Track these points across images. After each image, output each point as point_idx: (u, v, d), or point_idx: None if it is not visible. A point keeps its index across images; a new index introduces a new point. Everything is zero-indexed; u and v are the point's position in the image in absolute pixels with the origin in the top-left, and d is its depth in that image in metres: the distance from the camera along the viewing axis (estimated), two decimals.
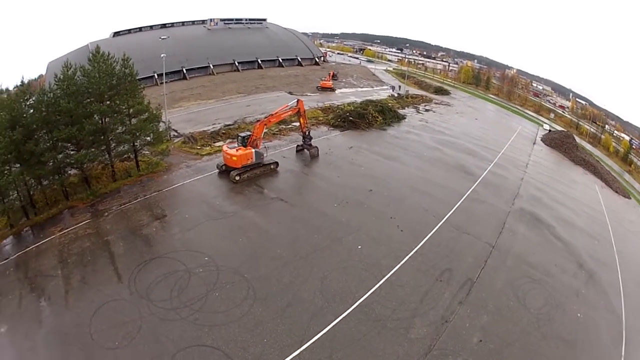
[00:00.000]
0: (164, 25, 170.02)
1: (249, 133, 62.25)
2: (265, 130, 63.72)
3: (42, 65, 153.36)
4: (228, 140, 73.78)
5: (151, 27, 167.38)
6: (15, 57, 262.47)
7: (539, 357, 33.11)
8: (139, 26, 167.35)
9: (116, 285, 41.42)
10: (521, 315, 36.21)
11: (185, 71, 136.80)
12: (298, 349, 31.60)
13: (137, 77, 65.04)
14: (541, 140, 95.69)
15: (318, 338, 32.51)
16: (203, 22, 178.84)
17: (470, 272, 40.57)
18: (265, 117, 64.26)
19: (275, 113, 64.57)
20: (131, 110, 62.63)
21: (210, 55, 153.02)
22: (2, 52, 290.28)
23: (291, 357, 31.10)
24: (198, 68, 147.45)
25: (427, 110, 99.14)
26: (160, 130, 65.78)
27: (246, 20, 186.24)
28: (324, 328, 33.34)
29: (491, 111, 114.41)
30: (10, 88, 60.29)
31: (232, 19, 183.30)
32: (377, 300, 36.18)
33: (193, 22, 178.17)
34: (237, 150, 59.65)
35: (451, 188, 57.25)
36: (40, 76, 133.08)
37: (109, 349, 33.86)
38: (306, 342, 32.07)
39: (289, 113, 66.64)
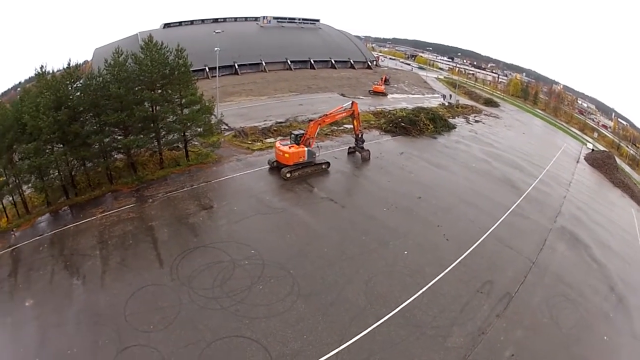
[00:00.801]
0: (215, 20, 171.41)
1: (302, 131, 62.85)
2: (318, 130, 64.28)
3: (89, 51, 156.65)
4: (279, 138, 74.07)
5: (202, 20, 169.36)
6: (62, 42, 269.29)
7: None
8: (191, 19, 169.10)
9: (157, 271, 42.40)
10: (553, 334, 36.21)
11: (237, 66, 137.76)
12: (337, 348, 31.86)
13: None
14: (584, 159, 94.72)
15: (358, 339, 32.70)
16: (255, 19, 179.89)
17: (509, 286, 40.56)
18: (320, 117, 64.84)
19: (330, 114, 65.18)
20: (183, 101, 63.67)
21: (263, 52, 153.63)
22: (50, 37, 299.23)
23: (329, 355, 31.41)
24: (250, 64, 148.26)
25: (476, 121, 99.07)
26: (212, 122, 66.66)
27: (299, 19, 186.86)
28: (365, 330, 33.52)
29: (538, 126, 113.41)
30: (55, 70, 61.40)
31: (285, 18, 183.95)
32: (419, 306, 36.29)
33: (245, 19, 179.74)
34: (289, 148, 60.05)
35: (497, 201, 57.21)
36: (86, 61, 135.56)
37: (143, 331, 34.63)
38: (345, 342, 32.27)
39: (344, 115, 66.95)
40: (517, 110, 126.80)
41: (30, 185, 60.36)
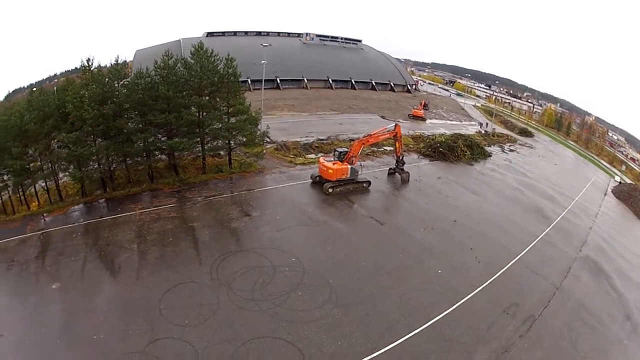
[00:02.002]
0: (259, 33, 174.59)
1: (346, 149, 64.29)
2: (361, 149, 65.68)
3: (130, 51, 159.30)
4: (320, 154, 75.87)
5: (246, 32, 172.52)
6: (106, 41, 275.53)
7: None
8: (234, 30, 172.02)
9: (196, 269, 44.04)
10: (570, 357, 37.16)
11: (279, 81, 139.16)
12: (369, 355, 32.96)
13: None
14: (612, 191, 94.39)
15: (389, 349, 33.79)
16: (298, 35, 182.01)
17: (534, 309, 41.33)
18: (364, 137, 66.28)
19: (374, 134, 66.68)
20: (231, 109, 65.17)
21: (304, 69, 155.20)
22: (95, 35, 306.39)
23: None
24: (291, 80, 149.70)
25: (511, 151, 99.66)
26: (258, 133, 67.93)
27: (342, 39, 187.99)
28: (397, 340, 34.61)
29: (569, 158, 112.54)
30: (102, 66, 63.71)
31: (327, 36, 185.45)
32: (449, 322, 37.46)
33: (288, 34, 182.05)
34: (333, 164, 61.61)
35: (527, 228, 57.97)
36: (125, 61, 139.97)
37: (177, 325, 35.94)
38: (378, 351, 33.36)
39: (387, 136, 68.54)
40: (551, 141, 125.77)
41: (67, 173, 62.03)
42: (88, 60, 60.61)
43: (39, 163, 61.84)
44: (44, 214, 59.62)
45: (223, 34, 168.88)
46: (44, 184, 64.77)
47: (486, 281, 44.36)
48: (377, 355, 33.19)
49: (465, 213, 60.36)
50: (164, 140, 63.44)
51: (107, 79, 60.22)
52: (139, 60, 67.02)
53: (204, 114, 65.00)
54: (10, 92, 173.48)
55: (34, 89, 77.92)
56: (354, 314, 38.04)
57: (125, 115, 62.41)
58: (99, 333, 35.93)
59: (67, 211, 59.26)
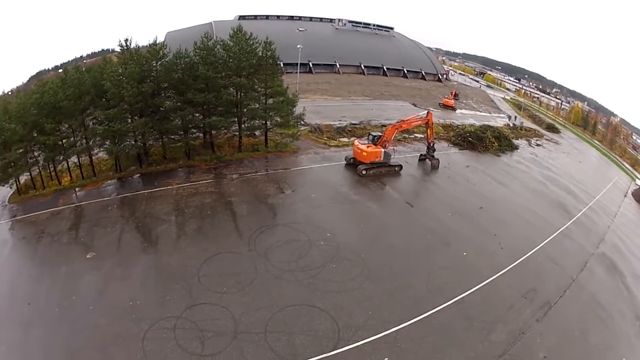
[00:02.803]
0: (291, 17, 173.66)
1: (380, 134, 66.09)
2: (394, 134, 67.66)
3: (161, 33, 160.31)
4: (353, 138, 77.59)
5: (278, 16, 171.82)
6: (137, 23, 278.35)
7: None
8: (266, 14, 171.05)
9: (235, 241, 46.31)
10: (581, 346, 38.35)
11: (311, 65, 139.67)
12: (397, 326, 35.27)
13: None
14: (632, 194, 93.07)
15: (415, 321, 36.15)
16: (331, 20, 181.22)
17: (551, 296, 42.77)
18: (397, 122, 67.87)
19: (407, 120, 68.60)
20: (268, 91, 66.72)
21: (337, 54, 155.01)
22: (126, 17, 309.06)
23: (390, 331, 34.82)
24: (324, 64, 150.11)
25: (537, 145, 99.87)
26: (295, 114, 69.79)
27: (374, 25, 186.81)
28: (423, 314, 36.97)
29: (594, 157, 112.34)
30: (140, 46, 65.14)
31: (359, 23, 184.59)
32: (471, 301, 39.53)
33: (320, 19, 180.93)
34: (367, 147, 63.49)
35: (549, 221, 59.10)
36: (160, 43, 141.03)
37: (215, 292, 38.52)
38: (405, 322, 35.73)
39: (419, 122, 70.10)
40: (576, 138, 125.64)
41: (104, 149, 64.16)
42: (126, 40, 62.53)
43: (72, 139, 63.51)
44: (76, 189, 61.96)
45: (255, 17, 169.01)
46: (75, 160, 66.52)
47: (508, 266, 45.85)
48: (404, 327, 35.47)
49: (491, 201, 61.92)
50: (202, 119, 65.56)
51: (144, 59, 62.08)
52: (170, 41, 68.93)
53: (242, 94, 66.82)
54: (34, 74, 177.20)
55: (69, 67, 79.45)
56: (383, 287, 40.34)
57: (162, 94, 64.44)
58: (135, 300, 38.26)
59: (101, 186, 61.81)
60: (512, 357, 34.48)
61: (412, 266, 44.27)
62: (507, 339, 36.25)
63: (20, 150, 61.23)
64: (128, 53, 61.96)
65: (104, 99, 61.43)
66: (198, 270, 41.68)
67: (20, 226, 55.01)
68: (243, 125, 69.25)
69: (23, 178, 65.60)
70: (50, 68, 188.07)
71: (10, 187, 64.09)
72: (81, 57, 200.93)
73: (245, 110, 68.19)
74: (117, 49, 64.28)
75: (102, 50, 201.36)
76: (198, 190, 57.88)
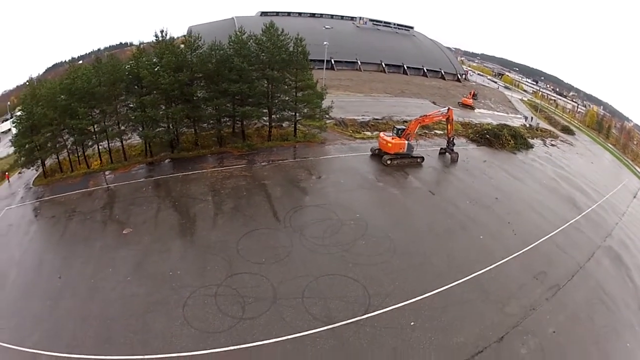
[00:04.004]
0: (312, 15, 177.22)
1: (404, 127, 69.76)
2: (417, 128, 71.35)
3: (183, 27, 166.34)
4: (375, 132, 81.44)
5: (300, 13, 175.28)
6: (158, 17, 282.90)
7: None
8: (287, 10, 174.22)
9: (271, 218, 50.00)
10: (587, 327, 40.53)
11: (333, 62, 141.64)
12: (420, 296, 38.61)
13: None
14: None
15: (437, 292, 39.54)
16: (352, 18, 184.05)
17: (559, 280, 45.33)
18: (420, 117, 71.41)
19: (429, 115, 72.36)
20: (299, 84, 70.26)
21: (358, 52, 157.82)
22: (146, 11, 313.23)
23: (414, 300, 38.21)
24: (345, 62, 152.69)
25: (552, 145, 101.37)
26: (323, 107, 73.17)
27: (394, 24, 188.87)
28: (444, 286, 40.40)
29: (606, 159, 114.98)
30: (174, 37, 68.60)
31: (380, 21, 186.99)
32: (487, 278, 42.79)
33: (342, 17, 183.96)
34: (392, 139, 67.18)
35: (560, 214, 61.52)
36: (178, 37, 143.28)
37: (254, 263, 42.02)
38: (427, 293, 39.07)
39: (440, 117, 73.98)
40: (590, 141, 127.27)
41: (137, 134, 67.79)
42: (162, 31, 66.38)
43: (103, 124, 66.45)
44: (107, 172, 64.99)
45: (277, 13, 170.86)
46: (104, 145, 69.50)
47: (520, 250, 48.78)
48: (427, 297, 39.01)
49: (506, 193, 64.79)
50: (235, 108, 69.07)
51: (180, 50, 65.87)
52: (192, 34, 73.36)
53: (273, 86, 70.64)
54: (50, 65, 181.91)
55: (100, 56, 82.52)
56: (409, 262, 44.00)
57: (195, 84, 68.15)
58: (174, 270, 41.62)
59: (132, 169, 65.29)
60: (524, 328, 37.24)
61: (434, 245, 47.84)
62: (520, 312, 39.11)
63: (48, 134, 64.10)
64: (164, 44, 65.48)
65: (137, 87, 65.40)
66: (237, 244, 45.05)
67: (49, 206, 58.16)
68: (273, 116, 73.10)
69: (48, 162, 68.43)
70: (67, 60, 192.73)
71: (36, 170, 67.07)
72: (99, 49, 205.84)
73: (276, 101, 72.00)
74: (135, 42, 67.72)
75: (120, 43, 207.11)
76: (232, 174, 61.29)
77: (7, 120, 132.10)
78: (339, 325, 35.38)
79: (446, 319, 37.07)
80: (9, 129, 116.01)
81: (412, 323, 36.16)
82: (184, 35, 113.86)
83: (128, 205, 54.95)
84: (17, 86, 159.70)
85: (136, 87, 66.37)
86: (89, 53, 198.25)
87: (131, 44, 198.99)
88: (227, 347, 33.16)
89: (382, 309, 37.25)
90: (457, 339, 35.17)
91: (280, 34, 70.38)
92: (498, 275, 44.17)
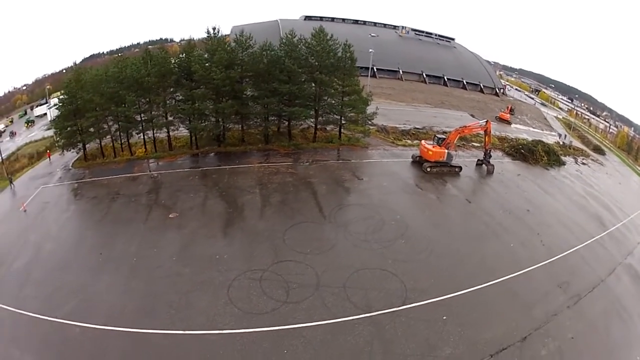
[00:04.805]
0: (356, 21, 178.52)
1: (444, 136, 71.76)
2: (457, 138, 73.43)
3: (227, 27, 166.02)
4: (416, 141, 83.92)
5: (343, 19, 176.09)
6: (199, 16, 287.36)
7: None
8: (331, 16, 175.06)
9: (316, 213, 52.98)
10: (603, 338, 41.40)
11: (375, 70, 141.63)
12: (453, 293, 41.06)
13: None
14: None
15: (468, 291, 41.84)
16: (394, 27, 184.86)
17: (581, 290, 46.37)
18: (460, 127, 73.60)
19: (468, 126, 74.76)
20: (345, 89, 72.61)
21: (400, 61, 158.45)
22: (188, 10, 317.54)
23: (447, 297, 40.52)
24: (387, 70, 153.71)
25: (583, 164, 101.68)
26: (368, 112, 76.02)
27: (436, 35, 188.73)
28: (475, 287, 42.60)
29: (634, 181, 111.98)
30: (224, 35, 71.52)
31: (422, 31, 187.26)
32: (514, 283, 44.67)
33: (384, 25, 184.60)
34: (433, 147, 69.30)
35: (586, 230, 62.33)
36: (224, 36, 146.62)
37: (299, 252, 44.84)
38: (459, 292, 41.49)
39: (479, 129, 75.60)
40: (620, 162, 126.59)
41: (184, 126, 70.94)
42: (214, 29, 69.51)
43: (150, 113, 69.88)
44: (151, 160, 68.10)
45: (321, 18, 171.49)
46: (150, 134, 73.01)
47: (547, 260, 50.53)
48: (459, 295, 41.32)
49: (537, 206, 65.80)
50: (283, 108, 71.92)
51: (229, 48, 68.77)
52: (235, 34, 75.32)
53: (321, 89, 73.26)
54: (87, 56, 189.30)
55: (151, 48, 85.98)
56: (444, 262, 46.48)
57: (244, 82, 71.24)
58: (221, 254, 44.51)
59: (178, 159, 68.49)
60: (545, 332, 38.81)
61: (468, 249, 49.92)
62: (542, 317, 40.62)
63: (92, 119, 67.31)
64: (215, 40, 68.79)
65: (187, 80, 68.40)
66: (283, 234, 48.17)
67: (89, 187, 61.46)
68: (320, 118, 76.11)
69: (89, 146, 72.16)
70: (105, 52, 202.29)
71: (77, 152, 70.81)
72: (138, 43, 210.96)
73: (323, 104, 75.05)
74: (176, 38, 70.92)
75: (161, 39, 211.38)
76: (279, 170, 64.37)
77: (42, 105, 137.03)
78: (376, 314, 37.82)
79: (475, 317, 39.12)
80: (45, 114, 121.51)
81: (444, 317, 38.29)
82: (227, 35, 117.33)
83: (174, 191, 58.29)
84: (52, 73, 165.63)
85: (186, 80, 69.32)
86: (129, 46, 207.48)
87: (171, 40, 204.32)
88: (270, 327, 35.47)
89: (417, 302, 39.58)
90: (485, 335, 37.20)
91: (329, 39, 72.90)
92: (525, 281, 45.75)
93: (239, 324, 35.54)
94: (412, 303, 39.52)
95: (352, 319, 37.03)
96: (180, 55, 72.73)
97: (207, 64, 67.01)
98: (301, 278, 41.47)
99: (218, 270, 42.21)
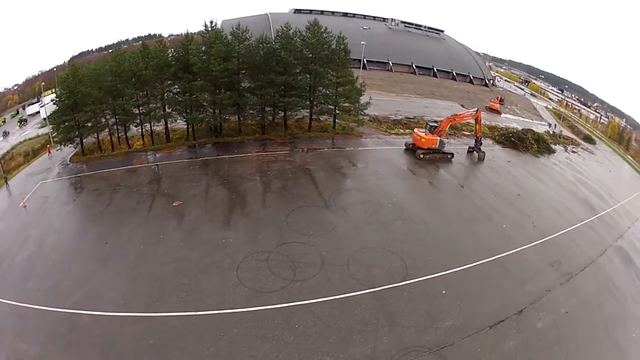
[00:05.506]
0: (345, 14, 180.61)
1: (436, 124, 74.82)
2: (448, 126, 76.01)
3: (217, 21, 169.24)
4: (408, 130, 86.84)
5: (332, 12, 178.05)
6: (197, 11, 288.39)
7: (596, 341, 40.37)
8: (321, 9, 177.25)
9: (316, 198, 55.29)
10: (596, 313, 43.48)
11: (365, 62, 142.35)
12: (450, 270, 43.49)
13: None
14: None
15: (465, 268, 44.29)
16: (384, 19, 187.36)
17: (573, 269, 48.48)
18: (451, 116, 76.32)
19: (459, 114, 77.83)
20: (339, 79, 74.94)
21: (390, 53, 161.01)
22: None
23: (445, 273, 42.97)
24: (377, 62, 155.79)
25: (573, 152, 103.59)
26: (362, 102, 78.24)
27: (425, 27, 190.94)
28: (470, 264, 45.00)
29: (624, 170, 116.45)
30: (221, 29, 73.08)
31: (412, 24, 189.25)
32: (507, 261, 47.03)
33: (374, 18, 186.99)
34: (426, 135, 72.04)
35: (575, 214, 64.81)
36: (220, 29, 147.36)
37: (303, 234, 47.02)
38: (456, 268, 43.97)
39: (469, 117, 78.76)
40: (610, 152, 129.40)
41: (182, 117, 72.76)
42: (211, 22, 71.54)
43: (148, 106, 71.52)
44: (149, 152, 69.69)
45: (310, 11, 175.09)
46: (147, 127, 74.54)
47: (538, 240, 52.90)
48: (456, 271, 43.80)
49: (527, 191, 68.38)
50: (279, 98, 74.08)
51: (226, 40, 70.51)
52: (226, 29, 76.35)
53: (316, 80, 75.51)
54: (76, 54, 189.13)
55: (146, 42, 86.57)
56: (440, 241, 49.11)
57: (240, 73, 72.98)
58: (227, 238, 46.35)
59: (176, 150, 70.24)
60: (540, 306, 41.06)
61: (462, 229, 52.56)
62: (537, 292, 42.98)
63: (90, 113, 68.55)
64: (213, 33, 70.43)
65: (185, 73, 69.65)
66: (286, 218, 50.37)
67: (90, 180, 62.84)
68: (315, 108, 78.42)
69: (86, 141, 73.03)
70: (94, 49, 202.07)
71: (75, 147, 72.01)
72: (126, 40, 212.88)
73: (317, 94, 77.29)
74: (165, 33, 72.70)
75: (149, 34, 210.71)
76: (277, 158, 66.48)
77: (33, 103, 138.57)
78: (380, 289, 40.09)
79: (472, 291, 41.50)
80: (37, 112, 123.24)
81: (443, 292, 40.64)
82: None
83: (176, 181, 60.01)
84: (43, 72, 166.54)
85: (183, 73, 70.69)
86: (117, 43, 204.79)
87: (160, 36, 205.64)
88: (279, 304, 37.39)
89: (417, 278, 41.93)
90: (482, 308, 39.50)
91: (323, 32, 75.12)
92: (518, 259, 48.20)
93: (250, 303, 37.33)
94: (412, 279, 41.75)
95: (357, 294, 39.11)
96: (178, 49, 73.95)
97: (204, 57, 68.91)
98: (306, 258, 43.45)
99: (225, 253, 44.08)
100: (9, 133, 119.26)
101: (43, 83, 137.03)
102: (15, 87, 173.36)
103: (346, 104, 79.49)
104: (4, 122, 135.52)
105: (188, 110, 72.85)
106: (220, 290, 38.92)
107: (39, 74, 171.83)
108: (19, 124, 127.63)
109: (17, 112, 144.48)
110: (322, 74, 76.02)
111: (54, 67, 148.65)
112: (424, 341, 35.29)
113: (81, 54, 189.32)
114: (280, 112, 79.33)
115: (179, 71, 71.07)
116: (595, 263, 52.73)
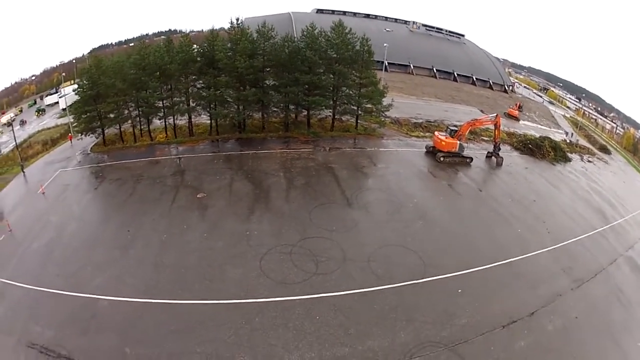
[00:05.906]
0: (367, 15, 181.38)
1: (456, 128, 75.88)
2: (468, 130, 77.26)
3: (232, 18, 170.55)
4: (428, 133, 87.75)
5: (355, 13, 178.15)
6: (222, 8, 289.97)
7: (602, 347, 40.58)
8: (343, 10, 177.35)
9: (339, 195, 56.93)
10: (605, 319, 43.80)
11: (386, 63, 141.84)
12: (467, 270, 44.85)
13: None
14: None
15: (480, 269, 45.50)
16: (405, 22, 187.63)
17: (584, 275, 49.28)
18: (471, 120, 77.64)
19: (479, 119, 79.33)
20: (363, 80, 76.34)
21: (411, 55, 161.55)
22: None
23: (461, 272, 44.32)
24: (398, 64, 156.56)
25: (589, 162, 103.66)
26: (384, 103, 79.77)
27: (446, 31, 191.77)
28: (485, 265, 46.28)
29: (638, 181, 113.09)
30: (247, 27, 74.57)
31: (433, 27, 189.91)
32: (520, 264, 48.07)
33: (395, 20, 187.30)
34: (446, 138, 73.45)
35: (589, 222, 65.45)
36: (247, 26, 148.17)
37: (325, 229, 48.61)
38: (472, 269, 45.24)
39: (489, 122, 79.73)
40: (625, 163, 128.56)
41: (209, 112, 74.23)
42: (237, 19, 74.27)
43: (173, 99, 73.00)
44: (172, 145, 71.54)
45: (333, 12, 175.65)
46: (170, 120, 76.14)
47: (552, 246, 53.99)
48: (472, 271, 45.19)
49: (543, 197, 69.07)
50: (303, 97, 75.64)
51: (252, 37, 72.17)
52: (248, 27, 77.47)
53: (340, 80, 77.13)
54: (96, 47, 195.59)
55: (172, 37, 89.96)
56: (458, 242, 50.56)
57: (265, 71, 74.80)
58: (251, 231, 47.98)
59: (200, 144, 71.98)
60: (551, 309, 41.96)
61: (479, 232, 53.85)
62: (548, 296, 43.82)
63: (113, 105, 70.35)
64: (239, 30, 72.61)
65: (210, 68, 71.48)
66: (309, 213, 52.19)
67: (111, 170, 64.34)
68: (338, 108, 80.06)
69: (108, 131, 75.23)
70: (114, 43, 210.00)
71: (96, 137, 74.06)
72: (147, 34, 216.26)
73: (341, 94, 78.88)
74: (185, 29, 73.90)
75: (169, 30, 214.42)
76: (300, 156, 68.27)
77: (52, 94, 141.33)
78: (399, 285, 41.64)
79: (487, 291, 42.85)
80: (56, 102, 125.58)
81: (459, 290, 42.09)
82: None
83: (199, 174, 61.73)
84: (62, 63, 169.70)
85: (208, 68, 72.52)
86: (137, 37, 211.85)
87: (180, 32, 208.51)
88: (301, 296, 38.87)
89: (435, 276, 43.42)
90: (496, 308, 40.79)
91: (347, 33, 76.72)
92: (532, 263, 49.24)
93: (273, 293, 38.82)
94: (430, 277, 43.23)
95: (377, 289, 40.66)
96: (204, 44, 75.66)
97: (229, 53, 70.86)
98: (328, 252, 44.98)
99: (249, 245, 45.79)
100: (26, 122, 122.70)
101: (64, 74, 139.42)
102: (33, 78, 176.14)
103: (368, 105, 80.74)
104: (20, 111, 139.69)
105: (212, 106, 74.57)
106: (244, 280, 40.37)
107: (57, 66, 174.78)
108: (36, 113, 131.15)
109: (35, 102, 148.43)
110: (345, 74, 77.53)
111: (73, 59, 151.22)
112: (439, 337, 36.77)
113: (101, 47, 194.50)
114: (303, 110, 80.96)
115: (204, 66, 72.98)
116: (606, 271, 53.17)
